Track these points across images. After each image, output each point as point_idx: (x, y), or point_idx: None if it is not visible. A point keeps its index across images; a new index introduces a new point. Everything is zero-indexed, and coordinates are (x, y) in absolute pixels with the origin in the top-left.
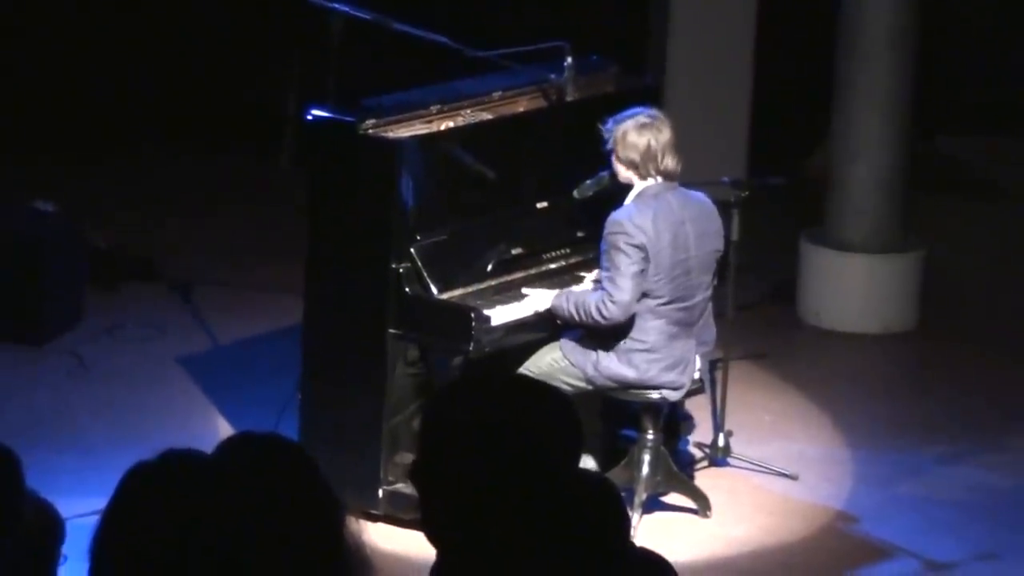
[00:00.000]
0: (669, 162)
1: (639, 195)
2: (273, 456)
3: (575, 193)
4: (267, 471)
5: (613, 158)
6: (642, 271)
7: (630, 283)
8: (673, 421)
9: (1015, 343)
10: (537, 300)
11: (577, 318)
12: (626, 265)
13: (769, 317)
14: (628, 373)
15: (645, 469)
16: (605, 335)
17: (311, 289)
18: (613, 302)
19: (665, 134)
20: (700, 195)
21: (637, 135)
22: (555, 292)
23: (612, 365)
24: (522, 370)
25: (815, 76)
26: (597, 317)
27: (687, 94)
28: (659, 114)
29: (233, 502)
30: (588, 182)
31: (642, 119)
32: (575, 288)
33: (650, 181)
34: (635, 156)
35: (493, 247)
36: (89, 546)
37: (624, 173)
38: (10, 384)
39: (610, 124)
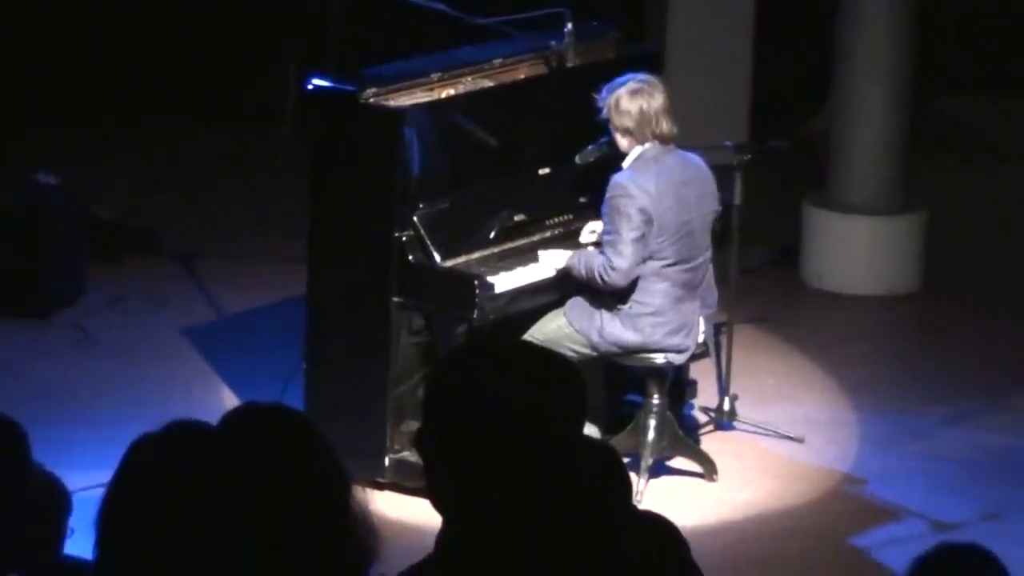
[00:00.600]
0: (664, 126)
1: (638, 158)
2: (278, 426)
3: (577, 159)
4: (272, 441)
5: (611, 126)
6: (643, 236)
7: (631, 248)
8: (678, 386)
9: (1017, 304)
10: (552, 259)
11: (585, 278)
12: (627, 230)
13: (772, 281)
14: (633, 338)
15: (651, 434)
16: (610, 300)
17: (314, 259)
18: (614, 268)
19: (658, 99)
20: (696, 157)
21: (629, 101)
22: (570, 252)
23: (616, 330)
24: (526, 337)
25: (816, 39)
26: (599, 281)
27: (688, 59)
28: (652, 79)
29: (238, 472)
30: (590, 148)
31: (633, 85)
32: (588, 249)
33: (647, 146)
34: (629, 123)
35: (495, 214)
36: (95, 518)
37: (621, 141)
38: (13, 357)
39: (604, 93)
